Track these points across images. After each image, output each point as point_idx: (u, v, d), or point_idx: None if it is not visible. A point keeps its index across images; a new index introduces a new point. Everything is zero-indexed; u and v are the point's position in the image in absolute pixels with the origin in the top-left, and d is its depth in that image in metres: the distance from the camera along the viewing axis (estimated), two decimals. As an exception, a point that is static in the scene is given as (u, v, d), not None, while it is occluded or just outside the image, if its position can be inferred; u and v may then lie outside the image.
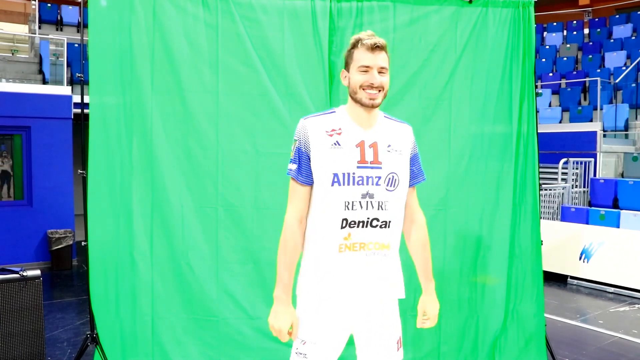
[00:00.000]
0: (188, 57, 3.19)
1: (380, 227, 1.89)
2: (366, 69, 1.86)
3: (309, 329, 1.92)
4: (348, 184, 1.84)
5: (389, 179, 1.88)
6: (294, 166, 1.92)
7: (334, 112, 1.98)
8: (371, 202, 1.86)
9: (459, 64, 3.44)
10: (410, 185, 1.99)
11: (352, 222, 1.86)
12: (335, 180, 1.84)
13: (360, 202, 1.84)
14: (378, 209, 1.86)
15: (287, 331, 1.89)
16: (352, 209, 1.84)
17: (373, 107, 1.88)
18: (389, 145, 1.91)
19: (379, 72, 1.87)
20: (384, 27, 3.36)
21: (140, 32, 3.14)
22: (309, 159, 1.89)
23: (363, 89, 1.87)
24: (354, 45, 1.91)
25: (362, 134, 1.90)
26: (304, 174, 1.90)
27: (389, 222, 1.90)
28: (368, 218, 1.86)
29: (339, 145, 1.87)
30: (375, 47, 1.87)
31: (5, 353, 3.43)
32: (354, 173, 1.85)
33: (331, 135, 1.88)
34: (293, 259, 1.95)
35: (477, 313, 3.51)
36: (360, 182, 1.84)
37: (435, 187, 3.42)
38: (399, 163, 1.92)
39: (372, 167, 1.87)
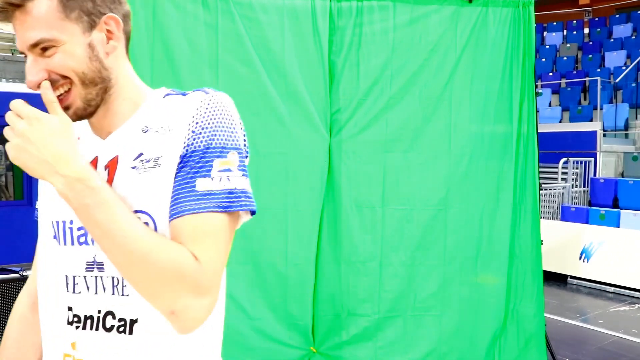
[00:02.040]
0: (188, 57, 3.18)
1: (119, 331, 0.93)
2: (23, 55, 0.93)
3: None
4: (65, 243, 0.98)
5: None
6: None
7: None
8: (101, 278, 0.94)
9: (459, 63, 3.44)
10: (173, 216, 0.91)
11: (76, 318, 0.96)
12: (54, 235, 1.00)
13: (85, 277, 0.95)
14: (113, 292, 0.94)
15: None
16: (75, 291, 0.96)
17: (81, 118, 0.96)
18: (139, 157, 0.94)
19: (42, 54, 0.90)
20: (384, 26, 3.36)
21: (140, 31, 3.13)
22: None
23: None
24: None
25: (97, 146, 0.99)
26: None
27: (133, 322, 0.93)
28: (99, 312, 0.94)
29: None
30: (7, 9, 0.88)
31: (5, 353, 3.43)
32: (71, 222, 0.96)
33: None
34: None
35: (477, 313, 3.51)
36: (82, 240, 0.96)
37: (435, 187, 3.42)
38: (154, 188, 0.92)
39: None
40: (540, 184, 3.77)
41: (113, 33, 0.96)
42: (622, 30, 13.04)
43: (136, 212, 0.90)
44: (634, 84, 10.93)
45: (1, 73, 8.78)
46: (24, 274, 3.53)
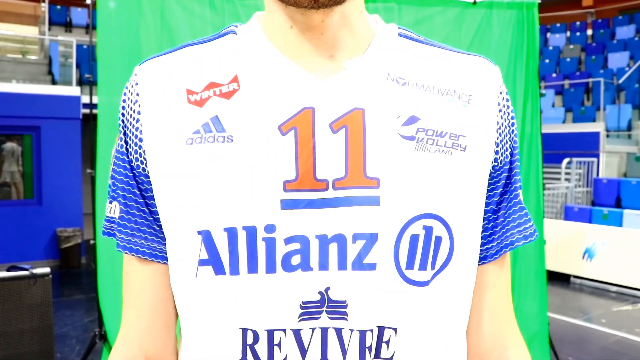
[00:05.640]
0: (196, 58, 3.23)
1: None
2: None
3: None
4: (254, 269, 0.53)
5: (414, 236, 0.54)
6: (114, 207, 0.68)
7: (225, 34, 0.62)
8: (340, 332, 0.53)
9: (463, 65, 3.47)
10: (490, 258, 0.63)
11: None
12: (211, 258, 0.55)
13: (300, 333, 0.53)
14: (374, 354, 0.54)
15: None
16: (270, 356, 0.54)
17: None
18: (412, 121, 0.56)
19: None
20: (389, 28, 3.40)
21: (148, 33, 3.18)
22: (147, 184, 0.61)
23: None
24: None
25: (306, 88, 0.55)
26: (137, 227, 0.66)
27: None
28: None
29: (223, 130, 0.55)
30: None
31: (15, 349, 3.48)
32: (273, 226, 0.52)
33: (204, 101, 0.56)
34: None
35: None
36: (301, 258, 0.52)
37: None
38: (451, 180, 0.57)
39: (342, 199, 0.53)
40: (543, 184, 3.80)
41: None
42: (625, 32, 13.05)
43: (420, 217, 0.54)
44: (637, 85, 10.94)
45: (12, 74, 8.85)
46: (34, 271, 3.58)
